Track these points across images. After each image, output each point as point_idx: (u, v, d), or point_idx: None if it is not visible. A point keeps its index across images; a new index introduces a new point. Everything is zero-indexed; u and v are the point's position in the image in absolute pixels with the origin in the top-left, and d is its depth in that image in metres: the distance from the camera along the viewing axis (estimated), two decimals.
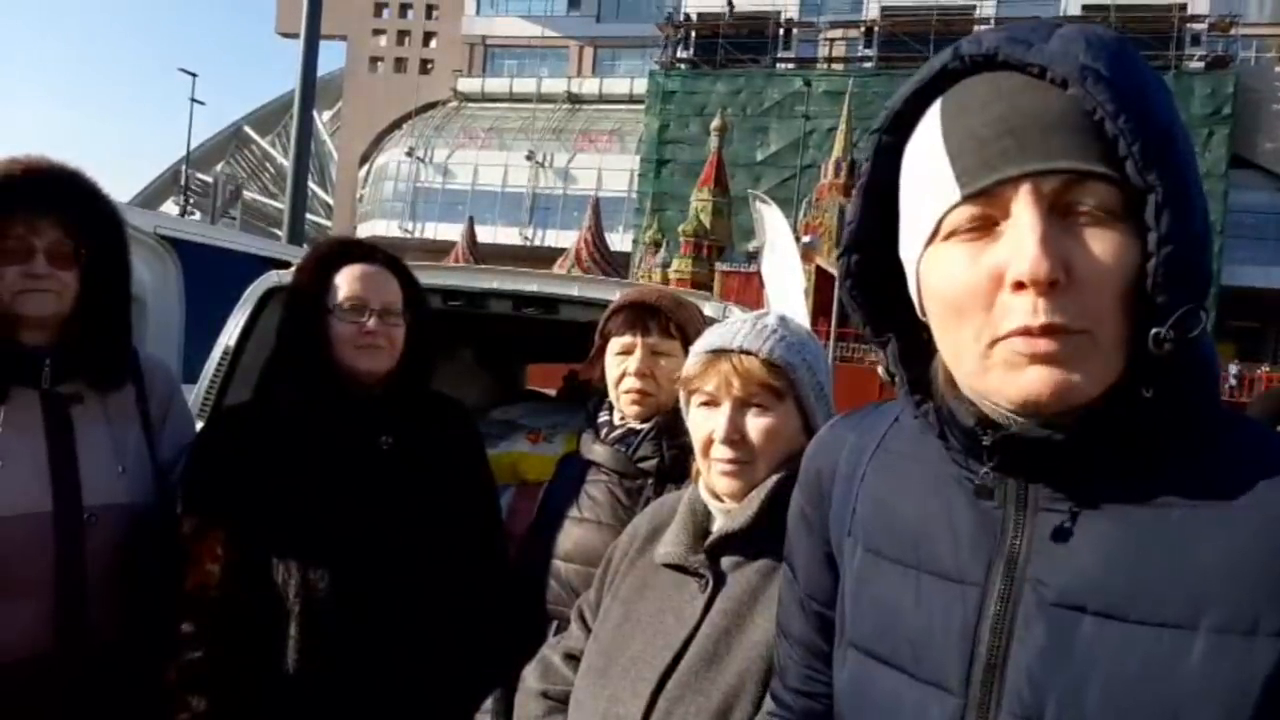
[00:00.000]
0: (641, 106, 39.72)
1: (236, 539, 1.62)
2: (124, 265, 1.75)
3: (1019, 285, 0.68)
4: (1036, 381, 0.69)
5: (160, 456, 1.79)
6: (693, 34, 38.47)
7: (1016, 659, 0.72)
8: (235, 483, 1.64)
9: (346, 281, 1.72)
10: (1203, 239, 0.71)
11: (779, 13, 38.40)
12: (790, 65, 38.26)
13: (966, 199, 0.71)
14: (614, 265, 24.79)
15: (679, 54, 38.68)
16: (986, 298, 0.71)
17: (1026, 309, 0.68)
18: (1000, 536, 0.76)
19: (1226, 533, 0.67)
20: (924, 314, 0.79)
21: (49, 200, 1.62)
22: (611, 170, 42.00)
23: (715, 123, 27.57)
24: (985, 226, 0.72)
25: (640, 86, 41.16)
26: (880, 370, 0.87)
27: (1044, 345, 0.68)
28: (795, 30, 38.85)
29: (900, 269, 0.81)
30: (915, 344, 0.82)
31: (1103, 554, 0.71)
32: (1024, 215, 0.69)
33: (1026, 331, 0.68)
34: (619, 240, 33.62)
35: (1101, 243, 0.69)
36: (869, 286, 0.84)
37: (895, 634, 0.81)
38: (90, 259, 1.66)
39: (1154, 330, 0.68)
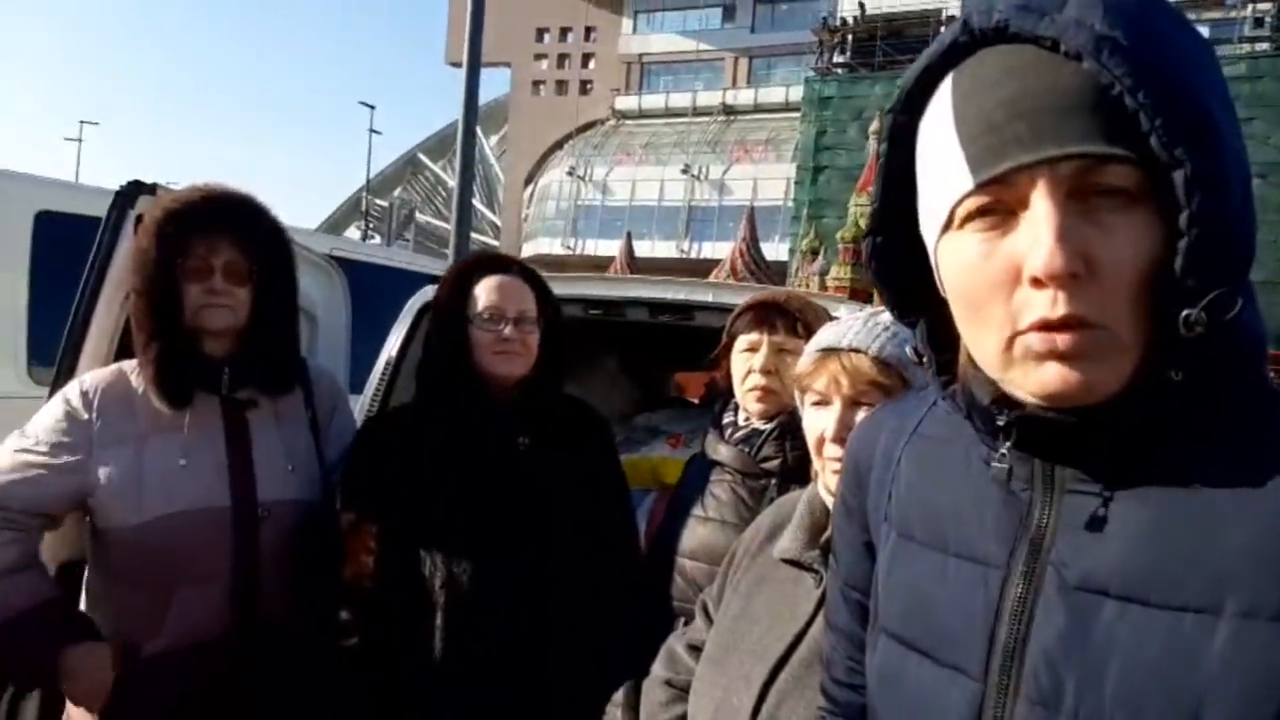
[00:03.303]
0: (797, 114, 39.19)
1: (388, 533, 1.72)
2: (291, 281, 1.90)
3: (1037, 282, 0.66)
4: (1056, 378, 0.67)
5: (326, 456, 1.94)
6: (850, 38, 37.75)
7: (1035, 643, 0.70)
8: (387, 481, 1.76)
9: (485, 292, 1.82)
10: (1240, 216, 0.66)
11: (940, 10, 37.12)
12: None
13: (979, 188, 0.68)
14: (769, 274, 24.55)
15: (835, 59, 38.04)
16: (1005, 291, 0.68)
17: (1045, 302, 0.66)
18: (1026, 519, 0.74)
19: (1255, 517, 0.64)
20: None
21: (225, 223, 1.78)
22: (767, 179, 41.64)
23: (873, 126, 26.59)
24: (1000, 214, 0.69)
25: (795, 94, 40.59)
26: (909, 350, 0.86)
27: (1063, 341, 0.66)
28: None
29: (924, 249, 0.79)
30: (943, 324, 0.80)
31: (1128, 537, 0.68)
32: (1040, 206, 0.65)
33: (1045, 324, 0.66)
34: (774, 249, 33.27)
35: (1123, 229, 0.65)
36: (895, 268, 0.82)
37: (922, 618, 0.80)
38: (261, 276, 1.83)
39: (1184, 313, 0.64)
